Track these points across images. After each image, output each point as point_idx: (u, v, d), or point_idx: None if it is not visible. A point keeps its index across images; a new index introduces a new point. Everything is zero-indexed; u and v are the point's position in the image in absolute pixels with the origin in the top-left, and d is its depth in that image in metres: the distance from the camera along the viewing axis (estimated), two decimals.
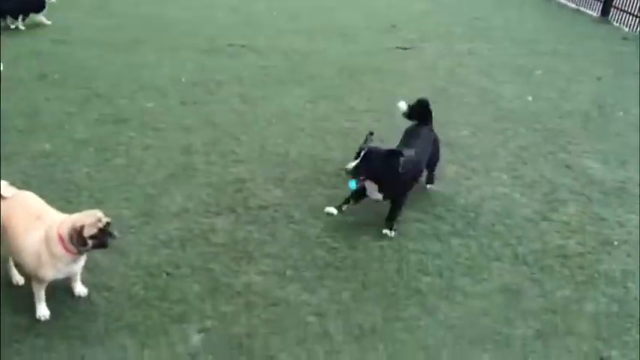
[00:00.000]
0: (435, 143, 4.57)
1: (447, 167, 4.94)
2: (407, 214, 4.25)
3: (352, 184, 3.93)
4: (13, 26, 7.70)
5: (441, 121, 5.76)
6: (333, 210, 4.06)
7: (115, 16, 8.79)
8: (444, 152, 5.16)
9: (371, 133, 4.53)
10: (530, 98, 6.62)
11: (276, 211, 4.21)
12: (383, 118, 5.82)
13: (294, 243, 3.90)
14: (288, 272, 3.63)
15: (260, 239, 3.91)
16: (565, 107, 6.44)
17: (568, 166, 5.11)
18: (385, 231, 4.05)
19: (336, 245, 3.90)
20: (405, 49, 8.16)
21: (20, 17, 7.71)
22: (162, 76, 6.50)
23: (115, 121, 5.33)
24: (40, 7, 7.84)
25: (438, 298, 3.50)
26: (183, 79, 6.43)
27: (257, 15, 9.15)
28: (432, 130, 4.57)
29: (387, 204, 4.11)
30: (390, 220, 4.09)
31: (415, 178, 4.30)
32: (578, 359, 3.16)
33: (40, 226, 3.08)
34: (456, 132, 5.62)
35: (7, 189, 3.30)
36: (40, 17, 7.90)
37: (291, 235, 3.98)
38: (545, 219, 4.32)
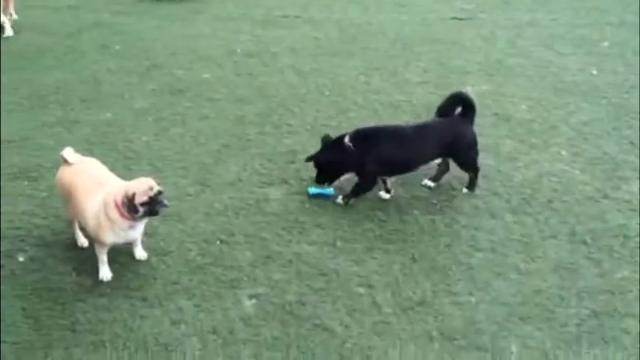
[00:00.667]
0: (457, 139, 4.08)
1: (504, 142, 4.81)
2: (460, 188, 4.19)
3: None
4: None
5: (498, 94, 5.65)
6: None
7: None
8: (501, 127, 5.05)
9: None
10: (594, 71, 6.32)
11: None
12: (437, 91, 5.70)
13: (345, 215, 3.93)
14: (339, 243, 3.67)
15: (311, 210, 3.95)
16: (631, 81, 6.11)
17: (632, 143, 4.88)
18: (339, 199, 4.04)
19: (385, 218, 3.90)
20: (462, 19, 7.91)
21: None
22: (218, 47, 6.57)
23: (172, 91, 5.45)
24: None
25: (490, 275, 3.45)
26: (238, 50, 6.49)
27: None
28: (456, 125, 4.12)
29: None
30: (348, 194, 4.03)
31: (392, 162, 3.99)
32: (635, 341, 3.07)
33: (101, 191, 3.22)
34: (513, 106, 5.45)
35: (73, 155, 3.46)
36: None
37: (342, 207, 4.00)
38: (606, 197, 4.16)
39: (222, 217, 3.85)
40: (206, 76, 5.84)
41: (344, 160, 3.97)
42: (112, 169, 4.17)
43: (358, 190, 4.05)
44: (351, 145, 3.93)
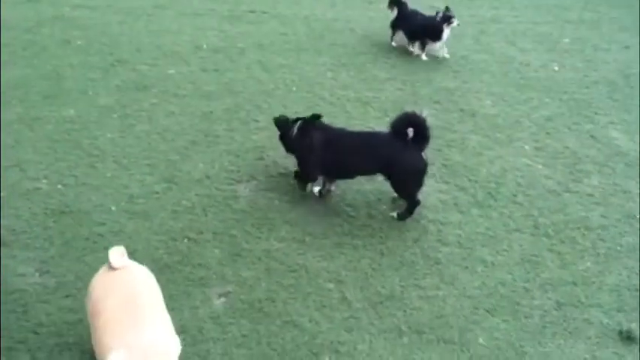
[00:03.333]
0: (394, 161, 3.78)
1: (469, 137, 4.90)
2: (427, 183, 4.24)
3: None
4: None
5: (462, 90, 5.73)
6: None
7: None
8: (467, 122, 5.12)
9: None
10: (556, 67, 6.48)
11: (296, 179, 4.23)
12: (405, 87, 5.76)
13: (314, 211, 3.93)
14: (308, 239, 3.67)
15: (280, 206, 3.95)
16: (592, 77, 6.29)
17: (593, 137, 5.03)
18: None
19: (354, 214, 3.93)
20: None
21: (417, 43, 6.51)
22: (184, 42, 6.47)
23: (137, 87, 5.35)
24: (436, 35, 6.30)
25: (457, 268, 3.52)
26: (204, 46, 6.41)
27: None
28: (396, 146, 3.78)
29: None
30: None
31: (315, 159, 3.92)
32: (598, 331, 3.17)
33: (127, 341, 2.24)
34: (478, 101, 5.54)
35: (120, 259, 2.56)
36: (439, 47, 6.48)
37: (311, 203, 4.01)
38: (567, 190, 4.29)
39: (189, 214, 3.81)
40: (172, 71, 5.74)
41: (290, 144, 4.06)
42: (76, 168, 4.11)
43: (297, 177, 4.10)
44: (298, 135, 3.98)
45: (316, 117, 4.06)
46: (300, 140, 3.96)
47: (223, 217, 3.81)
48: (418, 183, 3.84)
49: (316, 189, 4.09)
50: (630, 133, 5.13)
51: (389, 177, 3.88)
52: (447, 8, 6.32)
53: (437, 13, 6.29)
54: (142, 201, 3.87)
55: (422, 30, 6.42)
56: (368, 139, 4.03)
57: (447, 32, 6.26)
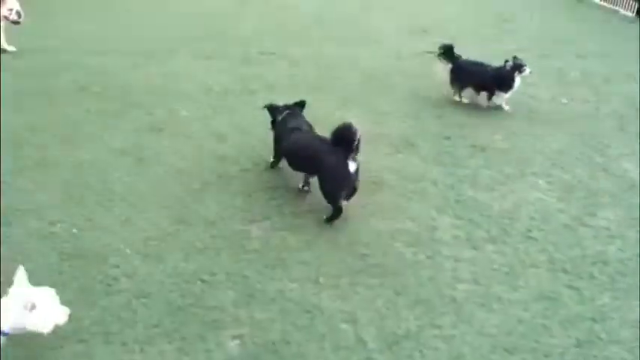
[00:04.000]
0: (320, 164, 4.18)
1: (480, 172, 4.89)
2: (440, 219, 4.23)
3: None
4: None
5: (472, 125, 5.76)
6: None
7: (149, 27, 8.98)
8: (477, 157, 5.13)
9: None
10: (564, 100, 6.51)
11: (309, 218, 4.24)
12: (412, 122, 5.81)
13: (327, 250, 3.92)
14: (322, 279, 3.65)
15: (293, 246, 3.94)
16: (602, 109, 6.31)
17: (605, 170, 5.01)
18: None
19: (368, 252, 3.91)
20: (435, 52, 8.10)
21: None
22: (196, 84, 6.61)
23: (151, 130, 5.44)
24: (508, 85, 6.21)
25: (474, 306, 3.46)
26: (215, 88, 6.53)
27: (286, 23, 9.22)
28: (325, 150, 4.17)
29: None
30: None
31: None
32: None
33: None
34: (489, 136, 5.56)
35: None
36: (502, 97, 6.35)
37: (324, 242, 4.00)
38: (583, 224, 4.24)
39: (203, 255, 3.81)
40: (184, 113, 5.85)
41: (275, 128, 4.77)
42: (89, 210, 4.16)
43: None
44: (278, 121, 4.72)
45: (301, 104, 4.81)
46: (278, 125, 4.70)
47: (236, 257, 3.81)
48: (339, 188, 4.14)
49: (300, 184, 4.55)
50: None
51: (319, 180, 4.29)
52: (515, 57, 6.11)
53: (506, 62, 6.09)
54: (155, 243, 3.88)
55: (493, 81, 6.17)
56: (311, 142, 4.42)
57: (517, 81, 6.08)
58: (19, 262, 3.59)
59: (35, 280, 3.48)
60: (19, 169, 4.63)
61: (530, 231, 4.15)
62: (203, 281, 3.60)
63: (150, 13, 9.75)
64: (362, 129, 5.32)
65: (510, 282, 3.65)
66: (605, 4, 11.78)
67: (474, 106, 6.29)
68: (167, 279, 3.60)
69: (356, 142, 4.06)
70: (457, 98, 6.40)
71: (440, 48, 6.38)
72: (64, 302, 3.31)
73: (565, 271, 3.75)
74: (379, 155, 5.14)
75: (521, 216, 4.32)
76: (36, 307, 2.65)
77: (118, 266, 3.65)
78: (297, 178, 4.72)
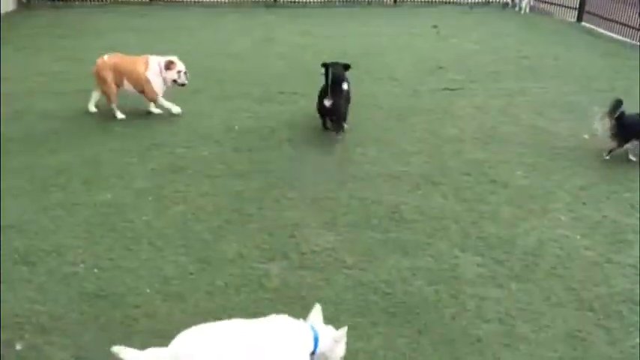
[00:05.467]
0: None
1: (502, 209, 4.84)
2: (462, 257, 4.17)
3: None
4: None
5: (493, 161, 5.73)
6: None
7: None
8: (499, 194, 5.09)
9: None
10: (586, 136, 6.45)
11: (328, 255, 4.21)
12: (433, 160, 5.80)
13: (347, 288, 3.87)
14: (342, 317, 3.59)
15: (313, 284, 3.91)
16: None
17: (631, 206, 4.91)
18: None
19: (389, 290, 3.85)
20: (454, 90, 8.16)
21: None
22: (217, 124, 6.72)
23: (172, 169, 5.52)
24: None
25: (499, 346, 3.37)
26: (236, 127, 6.63)
27: (306, 63, 9.38)
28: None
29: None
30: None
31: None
32: None
33: None
34: (509, 172, 5.52)
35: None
36: None
37: (344, 279, 3.96)
38: (609, 261, 4.14)
39: (223, 294, 3.80)
40: (205, 153, 5.93)
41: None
42: (111, 250, 4.19)
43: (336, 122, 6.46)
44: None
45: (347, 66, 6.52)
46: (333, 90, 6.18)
47: (256, 296, 3.78)
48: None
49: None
50: None
51: None
52: None
53: None
54: (176, 282, 3.89)
55: None
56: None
57: None
58: (40, 303, 3.64)
59: (57, 321, 3.51)
60: (43, 209, 4.71)
61: (555, 268, 4.05)
62: None
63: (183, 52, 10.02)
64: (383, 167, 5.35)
65: (536, 321, 3.55)
66: (626, 39, 11.78)
67: (492, 142, 6.25)
68: (188, 318, 3.56)
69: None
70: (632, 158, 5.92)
71: (611, 104, 5.97)
72: (84, 343, 3.32)
73: (593, 309, 3.64)
74: (400, 192, 5.12)
75: (545, 253, 4.23)
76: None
77: (138, 306, 3.65)
78: (316, 215, 4.72)
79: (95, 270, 3.97)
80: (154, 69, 6.61)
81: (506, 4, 16.08)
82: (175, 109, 6.90)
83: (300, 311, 3.62)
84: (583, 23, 13.69)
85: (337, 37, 11.88)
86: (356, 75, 8.81)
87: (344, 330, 2.89)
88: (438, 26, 12.79)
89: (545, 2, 15.49)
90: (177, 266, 4.05)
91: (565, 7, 14.56)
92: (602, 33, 12.60)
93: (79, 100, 7.10)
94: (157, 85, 6.68)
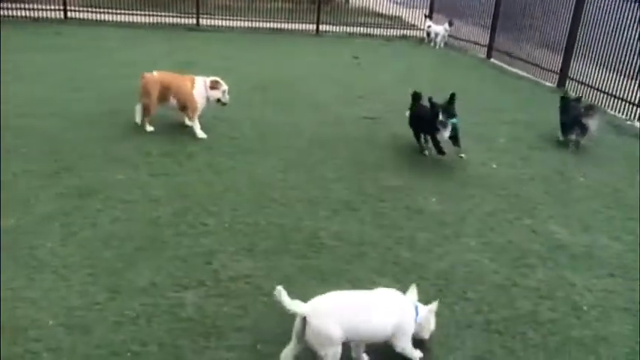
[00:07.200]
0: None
1: (417, 234, 4.98)
2: (381, 282, 4.23)
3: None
4: None
5: (409, 188, 5.91)
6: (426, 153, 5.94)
7: (85, 90, 8.88)
8: (414, 219, 5.24)
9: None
10: (494, 165, 6.82)
11: (246, 283, 4.14)
12: (352, 186, 5.90)
13: (265, 315, 3.81)
14: (260, 346, 3.53)
15: (230, 313, 3.82)
16: (528, 173, 6.64)
17: (535, 232, 5.21)
18: (461, 155, 6.37)
19: None
20: (373, 118, 8.40)
21: None
22: (132, 148, 6.51)
23: (81, 194, 5.26)
24: None
25: None
26: (153, 152, 6.45)
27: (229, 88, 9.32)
28: None
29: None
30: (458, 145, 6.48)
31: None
32: None
33: None
34: (424, 199, 5.71)
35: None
36: None
37: (262, 307, 3.90)
38: (515, 285, 4.35)
39: (133, 325, 3.62)
40: (120, 177, 5.71)
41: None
42: (13, 280, 3.91)
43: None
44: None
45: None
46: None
47: (169, 326, 3.64)
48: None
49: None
50: (569, 226, 5.35)
51: None
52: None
53: None
54: (81, 313, 3.67)
55: None
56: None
57: None
58: None
59: None
60: None
61: (465, 292, 4.20)
62: (133, 353, 3.40)
63: (81, 77, 9.66)
64: (303, 193, 5.34)
65: (447, 343, 3.65)
66: (530, 76, 12.66)
67: (408, 169, 6.47)
68: (93, 351, 3.38)
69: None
70: None
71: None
72: None
73: (499, 332, 3.80)
74: (319, 218, 5.16)
75: (456, 277, 4.39)
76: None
77: (39, 340, 3.41)
78: (233, 241, 4.65)
79: None
80: (199, 88, 7.01)
81: (423, 39, 16.86)
82: (201, 134, 7.07)
83: (217, 341, 3.53)
84: (492, 60, 14.59)
85: (260, 63, 11.95)
86: (278, 102, 8.91)
87: (436, 303, 3.44)
88: (359, 57, 13.18)
89: (458, 39, 16.39)
90: (83, 296, 3.83)
91: (476, 44, 15.47)
92: (508, 69, 13.47)
93: None
94: (200, 103, 7.09)
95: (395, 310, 3.25)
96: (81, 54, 11.14)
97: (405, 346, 3.29)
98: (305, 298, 3.98)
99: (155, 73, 7.01)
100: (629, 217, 5.65)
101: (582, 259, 4.78)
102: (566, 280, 4.45)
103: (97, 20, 15.70)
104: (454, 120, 5.82)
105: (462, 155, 6.48)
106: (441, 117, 6.17)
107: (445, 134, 6.27)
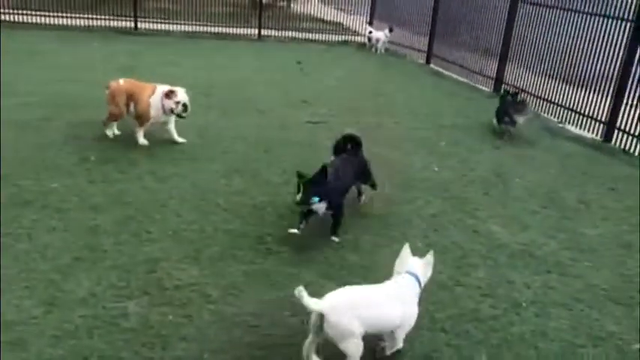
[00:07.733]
0: (362, 165, 5.55)
1: (363, 237, 5.03)
2: (328, 285, 4.23)
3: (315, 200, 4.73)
4: None
5: (353, 193, 5.96)
6: (295, 230, 4.74)
7: (21, 94, 8.48)
8: (359, 223, 5.29)
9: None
10: (436, 168, 6.99)
11: (192, 290, 4.06)
12: (292, 189, 5.88)
13: (212, 323, 3.75)
14: (206, 356, 3.47)
15: (175, 322, 3.73)
16: (468, 176, 6.84)
17: (476, 232, 5.37)
18: (333, 237, 4.93)
19: (256, 323, 3.79)
20: (316, 123, 8.44)
21: None
22: (70, 155, 6.26)
23: (15, 203, 5.02)
24: None
25: None
26: (92, 158, 6.23)
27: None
28: (357, 156, 5.50)
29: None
30: (335, 228, 4.97)
31: (346, 190, 5.25)
32: None
33: None
34: (369, 202, 5.77)
35: None
36: None
37: (209, 315, 3.83)
38: (458, 284, 4.47)
39: (73, 339, 3.48)
40: (55, 185, 5.48)
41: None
42: None
43: (341, 219, 5.11)
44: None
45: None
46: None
47: (111, 338, 3.51)
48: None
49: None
50: (508, 226, 5.55)
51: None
52: None
53: None
54: (18, 328, 3.49)
55: None
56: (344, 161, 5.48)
57: None
58: None
59: None
60: None
61: None
62: None
63: (21, 81, 9.24)
64: (249, 199, 5.31)
65: None
66: (467, 80, 13.07)
67: None
68: None
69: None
70: None
71: None
72: None
73: (445, 330, 3.89)
74: (264, 224, 5.12)
75: None
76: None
77: None
78: (178, 248, 4.55)
79: None
80: (156, 97, 6.71)
81: (364, 44, 17.11)
82: (143, 141, 6.84)
83: (162, 352, 3.44)
84: (431, 65, 14.97)
85: (202, 67, 11.78)
86: (222, 107, 8.80)
87: (431, 254, 3.74)
88: (301, 62, 13.22)
89: (399, 45, 16.73)
90: (19, 310, 3.65)
91: (415, 49, 15.83)
92: (446, 74, 13.86)
93: None
94: (153, 113, 6.76)
95: (403, 302, 3.49)
96: (15, 58, 10.64)
97: (403, 334, 3.53)
98: (253, 304, 3.95)
99: (122, 81, 6.78)
100: (564, 217, 5.91)
101: (521, 258, 4.96)
102: (506, 278, 4.61)
103: (30, 23, 15.04)
104: (315, 199, 4.73)
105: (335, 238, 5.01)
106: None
107: (319, 212, 4.87)
